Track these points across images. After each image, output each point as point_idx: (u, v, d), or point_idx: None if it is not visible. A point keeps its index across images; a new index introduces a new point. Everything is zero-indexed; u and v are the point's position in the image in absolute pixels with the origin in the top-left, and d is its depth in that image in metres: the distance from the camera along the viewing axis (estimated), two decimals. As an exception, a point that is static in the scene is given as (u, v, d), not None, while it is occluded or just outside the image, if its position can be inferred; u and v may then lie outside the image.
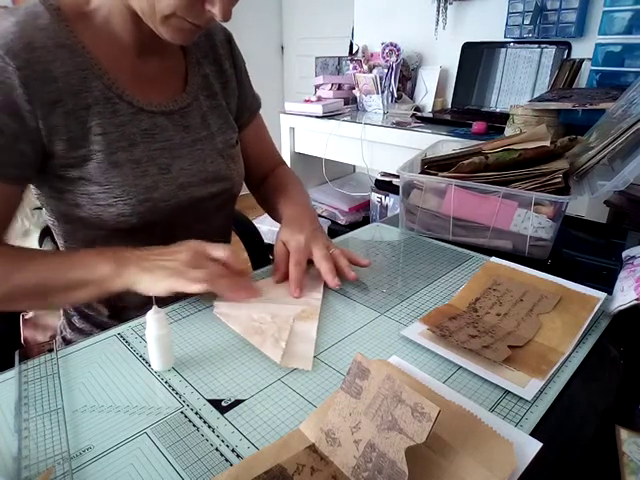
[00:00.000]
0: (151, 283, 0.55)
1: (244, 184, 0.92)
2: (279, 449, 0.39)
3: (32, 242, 0.87)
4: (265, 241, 1.09)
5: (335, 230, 2.06)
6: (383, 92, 1.88)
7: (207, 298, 0.64)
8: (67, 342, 0.76)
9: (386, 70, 1.87)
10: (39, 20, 0.59)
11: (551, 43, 1.57)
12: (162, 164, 0.67)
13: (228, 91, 0.79)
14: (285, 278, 0.65)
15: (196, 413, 0.44)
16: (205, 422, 0.43)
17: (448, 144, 1.01)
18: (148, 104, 0.67)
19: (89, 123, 0.61)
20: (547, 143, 0.77)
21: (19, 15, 0.58)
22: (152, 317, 0.47)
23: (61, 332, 0.78)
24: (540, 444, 0.38)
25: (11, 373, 0.49)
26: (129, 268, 0.56)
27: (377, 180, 1.92)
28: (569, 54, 1.54)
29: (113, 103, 0.63)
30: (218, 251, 0.60)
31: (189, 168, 0.70)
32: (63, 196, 0.64)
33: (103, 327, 0.73)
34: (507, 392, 0.46)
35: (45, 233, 0.86)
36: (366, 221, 2.08)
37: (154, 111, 0.67)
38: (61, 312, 0.79)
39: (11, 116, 0.57)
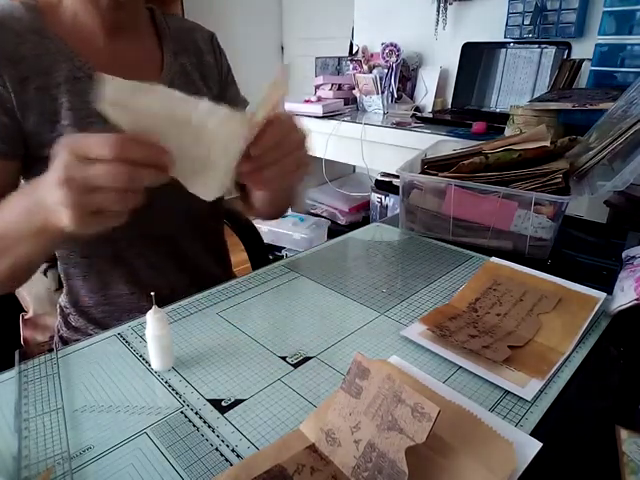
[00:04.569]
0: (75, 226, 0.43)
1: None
2: (279, 449, 0.39)
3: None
4: (265, 241, 1.09)
5: (335, 230, 2.06)
6: (383, 92, 1.88)
7: (207, 297, 0.64)
8: (64, 341, 0.76)
9: (386, 70, 1.87)
10: (14, 10, 0.62)
11: (551, 43, 1.57)
12: None
13: (209, 84, 0.79)
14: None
15: (196, 413, 0.44)
16: (205, 422, 0.43)
17: (448, 144, 1.01)
18: None
19: (60, 99, 0.63)
20: (547, 143, 0.77)
21: None
22: (152, 317, 0.47)
23: (58, 331, 0.78)
24: (540, 444, 0.38)
25: (11, 373, 0.49)
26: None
27: (377, 180, 1.93)
28: (569, 54, 1.54)
29: (83, 82, 0.65)
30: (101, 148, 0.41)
31: None
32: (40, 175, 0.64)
33: (99, 323, 0.74)
34: (507, 392, 0.46)
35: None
36: (366, 221, 2.08)
37: None
38: (58, 311, 0.79)
39: None
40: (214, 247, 0.85)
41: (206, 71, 0.79)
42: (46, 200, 0.43)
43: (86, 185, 0.40)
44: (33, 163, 0.64)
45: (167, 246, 0.75)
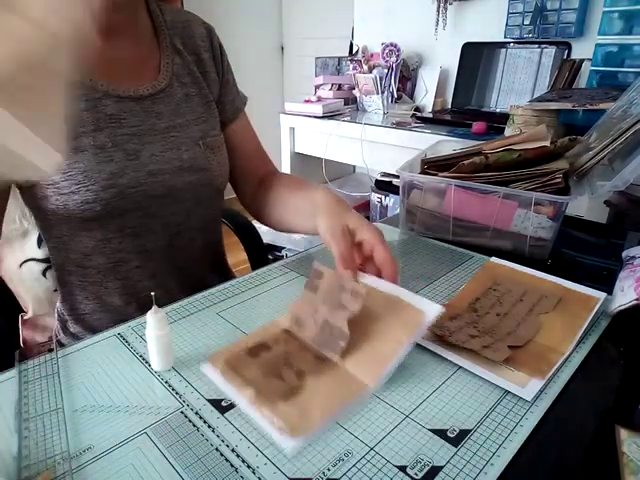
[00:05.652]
0: None
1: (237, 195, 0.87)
2: (260, 334, 0.53)
3: (31, 243, 0.86)
4: (265, 241, 1.09)
5: (335, 230, 2.05)
6: (383, 92, 1.88)
7: (207, 297, 0.64)
8: (62, 346, 0.75)
9: (386, 70, 1.87)
10: None
11: (551, 43, 1.57)
12: (129, 150, 0.65)
13: (209, 81, 0.77)
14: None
15: (196, 413, 0.44)
16: (205, 422, 0.43)
17: (448, 144, 1.01)
18: (115, 89, 0.65)
19: None
20: (547, 143, 0.77)
21: None
22: (152, 317, 0.47)
23: (56, 336, 0.78)
24: (441, 308, 0.50)
25: (11, 373, 0.49)
26: None
27: (377, 180, 1.93)
28: (569, 54, 1.54)
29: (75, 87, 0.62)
30: None
31: (160, 155, 0.67)
32: (32, 189, 0.63)
33: (95, 331, 0.73)
34: (507, 392, 0.46)
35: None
36: (366, 221, 2.08)
37: (121, 96, 0.65)
38: (56, 316, 0.78)
39: None
40: (211, 256, 0.83)
41: (205, 69, 0.76)
42: None
43: None
44: None
45: (164, 258, 0.73)
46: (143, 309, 0.50)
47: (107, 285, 0.71)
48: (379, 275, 0.56)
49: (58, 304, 0.77)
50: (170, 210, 0.71)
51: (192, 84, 0.74)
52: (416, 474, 0.37)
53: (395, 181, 1.83)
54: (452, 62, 1.82)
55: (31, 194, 0.64)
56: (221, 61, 0.80)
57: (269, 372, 0.47)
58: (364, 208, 2.10)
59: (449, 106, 1.87)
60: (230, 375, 0.47)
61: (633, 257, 0.66)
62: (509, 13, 1.61)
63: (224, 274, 0.87)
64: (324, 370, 0.47)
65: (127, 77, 0.67)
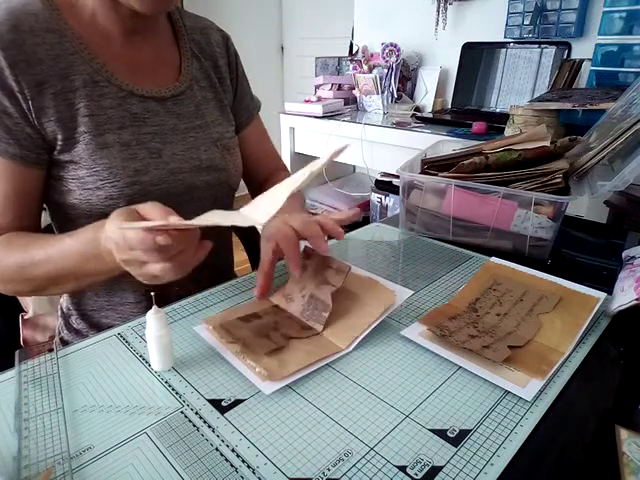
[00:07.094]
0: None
1: (247, 189, 0.91)
2: (251, 307, 0.59)
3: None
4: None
5: (335, 230, 2.05)
6: (383, 92, 1.88)
7: (207, 297, 0.64)
8: (64, 343, 0.76)
9: (386, 70, 1.87)
10: (29, 6, 0.61)
11: (551, 43, 1.57)
12: (152, 148, 0.67)
13: (224, 87, 0.79)
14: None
15: (196, 413, 0.44)
16: (205, 422, 0.43)
17: (448, 144, 1.01)
18: (139, 89, 0.67)
19: (77, 105, 0.62)
20: (547, 143, 0.77)
21: (12, 2, 0.60)
22: (152, 317, 0.47)
23: (59, 333, 0.78)
24: (411, 292, 0.59)
25: (11, 373, 0.49)
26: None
27: (377, 180, 1.93)
28: (569, 54, 1.54)
29: (101, 86, 0.64)
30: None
31: (181, 154, 0.69)
32: (56, 183, 0.64)
33: (100, 328, 0.73)
34: (507, 392, 0.46)
35: (47, 231, 0.86)
36: (366, 221, 2.07)
37: (145, 96, 0.67)
38: (59, 313, 0.79)
39: (9, 98, 0.58)
40: (222, 256, 0.84)
41: (221, 75, 0.79)
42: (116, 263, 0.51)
43: (145, 273, 0.49)
44: (49, 166, 0.64)
45: None
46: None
47: (120, 280, 0.71)
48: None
49: (62, 300, 0.77)
50: (188, 209, 0.71)
51: (209, 88, 0.76)
52: (416, 474, 0.37)
53: (395, 181, 1.83)
54: (452, 62, 1.82)
55: (54, 187, 0.65)
56: (236, 69, 0.82)
57: (258, 333, 0.54)
58: (364, 208, 2.10)
59: (449, 106, 1.87)
60: (221, 333, 0.54)
61: (633, 257, 0.66)
62: (509, 13, 1.61)
63: (228, 274, 0.87)
64: (307, 336, 0.54)
65: (149, 78, 0.70)
